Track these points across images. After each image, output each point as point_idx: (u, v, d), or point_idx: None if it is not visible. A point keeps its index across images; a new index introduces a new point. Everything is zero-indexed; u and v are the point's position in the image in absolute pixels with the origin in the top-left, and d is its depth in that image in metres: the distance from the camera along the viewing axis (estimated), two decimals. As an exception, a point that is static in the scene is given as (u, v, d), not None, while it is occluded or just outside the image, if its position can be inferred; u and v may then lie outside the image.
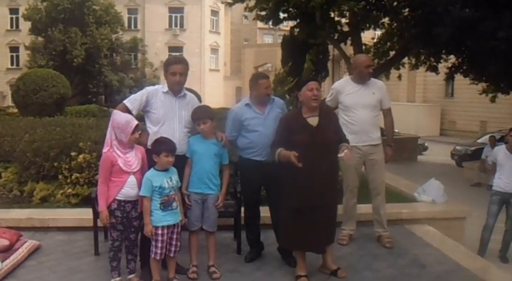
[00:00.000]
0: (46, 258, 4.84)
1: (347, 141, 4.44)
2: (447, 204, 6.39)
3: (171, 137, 4.19)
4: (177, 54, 42.27)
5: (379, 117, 5.33)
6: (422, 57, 16.20)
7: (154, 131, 4.36)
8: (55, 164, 6.67)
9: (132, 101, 4.40)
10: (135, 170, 4.03)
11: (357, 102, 5.15)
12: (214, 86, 42.51)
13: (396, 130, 23.13)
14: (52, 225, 5.65)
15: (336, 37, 16.68)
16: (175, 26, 42.40)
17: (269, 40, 57.45)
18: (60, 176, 6.61)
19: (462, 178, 15.78)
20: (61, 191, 6.52)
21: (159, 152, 3.97)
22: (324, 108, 4.50)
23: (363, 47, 17.00)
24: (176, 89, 4.45)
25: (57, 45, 33.19)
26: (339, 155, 4.20)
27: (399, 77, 19.55)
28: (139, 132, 4.09)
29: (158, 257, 4.01)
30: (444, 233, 5.73)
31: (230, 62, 51.39)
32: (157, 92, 4.44)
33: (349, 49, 17.94)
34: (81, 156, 6.49)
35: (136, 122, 4.05)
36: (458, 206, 6.42)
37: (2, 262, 4.38)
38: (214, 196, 4.37)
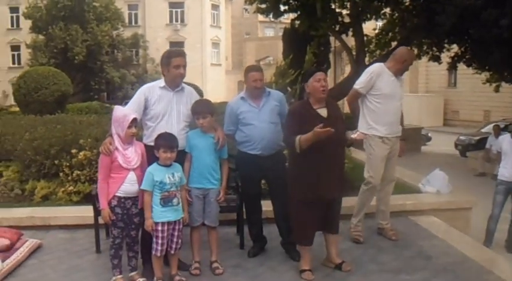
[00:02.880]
0: (47, 257, 4.80)
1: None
2: (452, 194, 6.33)
3: None
4: (179, 49, 42.36)
5: None
6: (425, 47, 16.06)
7: (151, 126, 4.31)
8: (56, 162, 6.62)
9: (131, 104, 4.34)
10: (134, 166, 3.98)
11: (394, 93, 5.00)
12: (216, 80, 42.40)
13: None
14: (53, 223, 5.61)
15: (337, 29, 16.57)
16: (176, 21, 42.28)
17: (270, 33, 57.29)
18: (61, 174, 6.57)
19: (466, 168, 15.69)
20: (62, 189, 6.47)
21: (157, 147, 3.93)
22: (328, 99, 4.41)
23: (365, 38, 16.90)
24: (178, 82, 4.39)
25: (58, 43, 33.19)
26: (352, 136, 4.15)
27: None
28: (136, 126, 4.04)
29: (159, 254, 3.96)
30: (450, 224, 5.66)
31: (232, 56, 51.29)
32: (154, 88, 4.37)
33: (350, 40, 17.82)
34: (81, 153, 6.44)
35: (133, 115, 4.01)
36: (463, 196, 6.34)
37: (3, 261, 4.34)
38: (216, 190, 4.32)
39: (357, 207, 5.17)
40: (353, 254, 4.73)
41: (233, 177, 5.12)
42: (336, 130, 3.96)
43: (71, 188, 6.43)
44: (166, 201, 3.90)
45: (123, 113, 4.03)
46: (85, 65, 34.01)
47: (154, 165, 3.96)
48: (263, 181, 4.86)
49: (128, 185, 3.95)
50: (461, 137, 19.96)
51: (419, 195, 6.41)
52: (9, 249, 4.64)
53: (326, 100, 4.24)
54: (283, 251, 4.73)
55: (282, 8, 16.93)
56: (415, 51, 17.18)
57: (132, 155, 3.99)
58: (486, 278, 4.19)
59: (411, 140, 19.22)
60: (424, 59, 17.75)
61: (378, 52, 17.92)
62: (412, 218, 5.83)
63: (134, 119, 4.01)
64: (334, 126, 4.00)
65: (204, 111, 4.28)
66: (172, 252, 4.07)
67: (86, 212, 5.39)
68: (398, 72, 5.06)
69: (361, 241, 5.05)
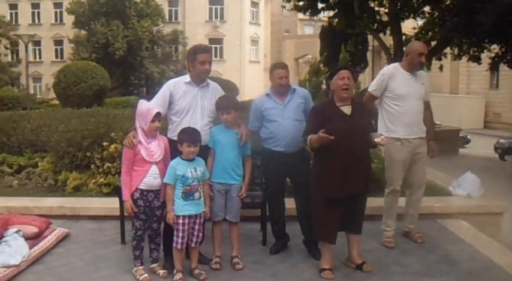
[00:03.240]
0: (74, 245, 4.93)
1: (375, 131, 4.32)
2: (483, 198, 6.14)
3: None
4: (217, 46, 42.61)
5: None
6: (465, 47, 15.68)
7: (176, 121, 4.36)
8: (88, 154, 6.77)
9: (156, 99, 4.41)
10: (157, 159, 4.04)
11: (411, 92, 4.85)
12: (254, 77, 42.48)
13: (437, 122, 22.51)
14: (82, 214, 5.76)
15: (374, 27, 16.35)
16: (216, 18, 42.53)
17: (310, 31, 56.90)
18: (92, 166, 6.72)
19: (504, 172, 15.22)
20: (93, 181, 6.62)
21: (181, 142, 3.97)
22: (354, 98, 4.37)
23: (403, 37, 16.62)
24: (204, 77, 4.43)
25: (100, 38, 33.85)
26: (376, 140, 4.07)
27: (441, 67, 19.02)
28: (160, 120, 4.09)
29: (179, 247, 4.01)
30: (479, 229, 5.50)
31: (270, 54, 51.22)
32: (179, 83, 4.43)
33: (388, 39, 17.56)
34: (112, 146, 6.57)
35: (156, 110, 4.06)
36: (494, 200, 6.14)
37: (31, 248, 4.47)
38: (238, 186, 4.34)
39: (384, 211, 5.10)
40: (376, 256, 4.67)
41: (258, 174, 5.15)
42: (359, 128, 3.93)
43: (102, 180, 6.57)
44: (187, 195, 3.95)
45: (147, 107, 4.09)
46: (125, 60, 34.60)
47: (177, 159, 4.00)
48: (288, 179, 4.85)
49: (151, 178, 4.01)
50: (501, 140, 19.36)
51: (448, 198, 6.26)
52: (37, 237, 4.78)
53: (352, 98, 4.20)
54: (305, 249, 4.72)
55: (320, 5, 16.84)
56: (455, 51, 16.84)
57: (155, 148, 4.05)
58: (512, 285, 4.07)
59: (448, 141, 18.88)
60: (465, 59, 17.33)
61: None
62: (440, 221, 5.70)
63: (157, 114, 4.06)
64: (357, 123, 3.97)
65: (228, 107, 4.30)
66: (193, 245, 4.11)
67: (114, 204, 5.48)
68: (410, 69, 4.91)
69: (392, 246, 4.92)
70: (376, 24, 16.31)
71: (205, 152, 4.28)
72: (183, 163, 3.97)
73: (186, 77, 4.45)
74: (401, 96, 4.84)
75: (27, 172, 7.51)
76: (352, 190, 4.11)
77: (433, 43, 16.47)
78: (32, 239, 4.69)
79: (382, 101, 4.96)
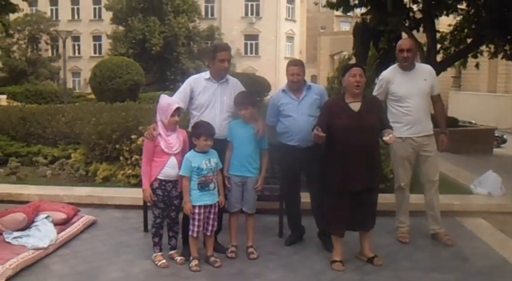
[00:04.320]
0: (100, 232, 5.20)
1: (391, 128, 4.39)
2: (504, 197, 6.13)
3: (212, 122, 4.34)
4: (253, 42, 42.80)
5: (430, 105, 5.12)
6: (500, 45, 15.34)
7: (196, 115, 4.55)
8: (117, 146, 7.07)
9: (177, 94, 4.62)
10: (176, 152, 4.24)
11: (410, 91, 4.89)
12: (289, 74, 42.45)
13: (473, 121, 22.05)
14: (109, 203, 6.04)
15: (407, 24, 16.17)
16: (251, 14, 42.77)
17: (346, 28, 56.41)
18: (121, 158, 7.00)
19: (539, 174, 14.86)
20: (122, 172, 6.91)
21: (198, 135, 4.16)
22: (367, 95, 4.48)
23: (437, 35, 16.39)
24: (223, 74, 4.61)
25: (137, 34, 34.51)
26: (384, 138, 4.17)
27: (477, 65, 18.66)
28: (180, 115, 4.28)
29: (195, 235, 4.21)
30: (499, 228, 5.49)
31: (306, 50, 51.10)
32: (199, 79, 4.62)
33: (423, 37, 17.34)
34: (140, 139, 6.80)
35: (176, 105, 4.26)
36: (516, 200, 6.13)
37: (58, 233, 4.75)
38: (254, 179, 4.50)
39: (396, 208, 5.18)
40: (389, 250, 4.75)
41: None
42: (364, 124, 4.10)
43: (130, 171, 6.84)
44: (203, 186, 4.14)
45: (167, 102, 4.29)
46: (162, 56, 35.16)
47: (192, 152, 4.20)
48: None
49: (169, 169, 4.22)
50: (539, 141, 18.90)
51: (468, 196, 6.27)
52: (65, 223, 5.07)
53: (364, 95, 4.30)
54: (319, 242, 4.85)
55: (352, 2, 16.74)
56: (491, 48, 16.49)
57: (174, 141, 4.25)
58: (522, 284, 4.09)
59: (481, 141, 18.51)
60: (500, 56, 16.93)
61: (452, 49, 17.31)
62: (459, 219, 5.73)
63: (177, 109, 4.25)
64: (362, 119, 4.12)
65: (246, 102, 4.46)
66: (208, 234, 4.30)
67: (139, 194, 5.64)
68: (404, 67, 4.95)
69: (406, 241, 4.99)
70: (408, 21, 16.11)
71: (223, 146, 4.47)
72: (197, 155, 4.16)
73: (206, 74, 4.64)
74: (402, 97, 4.91)
75: (61, 163, 7.87)
76: (354, 185, 4.21)
77: (469, 40, 16.21)
78: (61, 224, 4.98)
79: (387, 103, 5.04)
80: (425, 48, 16.39)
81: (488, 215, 5.81)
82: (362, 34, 19.60)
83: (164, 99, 4.35)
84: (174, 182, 4.26)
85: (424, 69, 5.09)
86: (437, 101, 5.16)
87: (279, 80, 34.59)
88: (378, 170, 4.45)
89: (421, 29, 16.41)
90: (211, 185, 4.18)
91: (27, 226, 4.72)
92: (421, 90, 4.92)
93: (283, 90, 4.79)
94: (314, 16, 54.54)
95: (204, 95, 4.55)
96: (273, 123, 4.82)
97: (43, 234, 4.59)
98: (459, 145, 15.02)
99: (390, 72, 5.07)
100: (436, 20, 15.84)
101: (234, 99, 4.53)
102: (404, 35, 19.65)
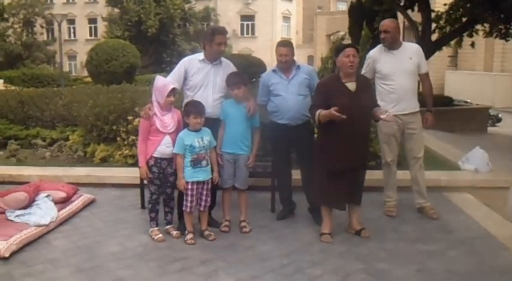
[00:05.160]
0: (98, 210, 5.40)
1: (378, 106, 4.55)
2: (490, 173, 6.30)
3: (205, 102, 4.51)
4: (249, 23, 42.68)
5: (417, 83, 5.29)
6: (497, 24, 15.40)
7: (190, 95, 4.71)
8: (114, 127, 7.22)
9: (172, 75, 4.78)
10: (170, 131, 4.41)
11: (395, 70, 5.02)
12: (285, 55, 42.41)
13: (468, 100, 22.14)
14: (107, 182, 6.22)
15: (402, 3, 16.22)
16: (247, -6, 42.60)
17: (343, 7, 56.05)
18: (118, 139, 7.16)
19: (533, 152, 15.07)
20: (119, 152, 7.08)
21: (188, 113, 4.33)
22: (360, 75, 4.64)
23: (432, 14, 16.44)
24: (218, 57, 4.77)
25: (132, 16, 34.48)
26: (382, 117, 4.29)
27: (472, 44, 18.77)
28: (175, 95, 4.44)
29: (189, 210, 4.41)
30: (486, 203, 5.67)
31: (302, 31, 50.94)
32: (193, 60, 4.77)
33: (418, 16, 17.37)
34: (136, 120, 6.93)
35: (172, 85, 4.41)
36: (501, 175, 6.29)
37: (59, 211, 4.94)
38: (245, 156, 4.68)
39: (384, 183, 5.36)
40: (377, 224, 4.94)
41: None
42: (362, 104, 4.24)
43: (127, 151, 7.01)
44: (196, 163, 4.32)
45: (163, 83, 4.45)
46: (158, 38, 35.15)
47: (185, 130, 4.37)
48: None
49: (164, 147, 4.40)
50: (533, 119, 19.07)
51: (455, 172, 6.44)
52: (65, 201, 5.26)
53: (357, 75, 4.45)
54: (310, 216, 5.04)
55: (348, -19, 16.77)
56: (486, 28, 16.55)
57: (168, 120, 4.41)
58: (502, 254, 4.25)
59: (476, 120, 18.74)
60: (494, 35, 17.00)
61: (447, 28, 17.38)
62: (446, 195, 5.90)
63: (173, 89, 4.41)
64: (361, 99, 4.26)
65: (238, 82, 4.62)
66: (202, 209, 4.50)
67: (136, 173, 5.79)
68: (388, 46, 5.09)
69: (393, 215, 5.19)
70: (403, 1, 16.15)
71: (216, 124, 4.64)
72: (190, 133, 4.34)
73: (200, 55, 4.79)
74: (387, 75, 5.06)
75: (59, 145, 8.02)
76: (351, 164, 4.38)
77: (464, 19, 16.26)
78: (61, 203, 5.17)
79: (375, 82, 5.19)
80: (420, 28, 16.50)
81: (474, 190, 5.98)
82: (357, 14, 19.62)
83: (160, 80, 4.50)
84: (169, 159, 4.44)
85: (410, 48, 5.21)
86: (425, 80, 5.32)
87: (275, 60, 34.68)
88: (367, 148, 4.61)
89: (416, 8, 16.48)
90: (204, 162, 4.36)
91: (28, 204, 4.91)
92: (406, 69, 5.04)
93: (274, 70, 4.94)
94: (311, -4, 54.25)
95: (198, 75, 4.70)
96: (264, 102, 4.98)
97: (44, 212, 4.77)
98: (454, 124, 15.22)
99: (377, 51, 5.23)
100: (430, -1, 15.87)
101: (226, 79, 4.67)
102: (399, 14, 19.75)
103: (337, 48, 4.56)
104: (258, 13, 42.27)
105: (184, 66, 4.76)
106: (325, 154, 4.45)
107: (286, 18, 44.86)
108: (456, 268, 3.95)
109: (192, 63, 4.76)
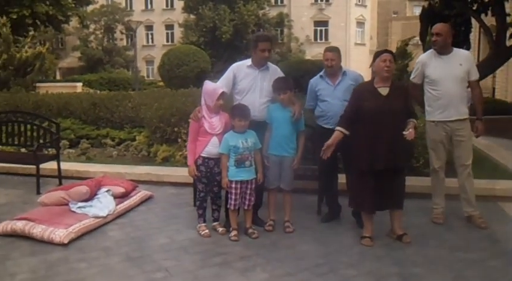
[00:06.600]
0: (154, 206, 5.78)
1: (416, 116, 4.58)
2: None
3: (252, 106, 4.75)
4: (323, 28, 42.62)
5: (467, 90, 5.22)
6: None
7: (238, 99, 4.96)
8: (175, 129, 7.62)
9: (222, 80, 5.04)
10: (218, 132, 4.67)
11: (445, 75, 5.00)
12: (359, 60, 41.89)
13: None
14: (166, 180, 6.60)
15: (474, 7, 15.69)
16: (321, 0, 42.49)
17: (419, 12, 54.75)
18: (179, 140, 7.57)
19: None
20: (180, 153, 7.47)
21: (234, 116, 4.58)
22: (396, 82, 4.70)
23: (507, 18, 15.79)
24: (263, 63, 4.98)
25: (208, 23, 35.40)
26: (404, 132, 4.34)
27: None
28: (224, 99, 4.70)
29: (232, 208, 4.65)
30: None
31: (377, 36, 50.17)
32: (242, 66, 5.03)
33: (492, 21, 16.74)
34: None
35: (221, 90, 4.68)
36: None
37: (117, 205, 5.35)
38: (291, 158, 4.85)
39: (431, 190, 5.34)
40: (421, 230, 4.93)
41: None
42: (392, 108, 4.35)
43: (187, 152, 7.35)
44: (239, 162, 4.56)
45: (213, 87, 4.72)
46: (232, 44, 35.84)
47: (230, 132, 4.62)
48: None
49: (211, 148, 4.66)
50: None
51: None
52: (124, 196, 5.67)
53: (392, 81, 4.52)
54: (354, 220, 5.11)
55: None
56: None
57: (216, 122, 4.68)
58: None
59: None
60: None
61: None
62: (501, 204, 5.75)
63: (222, 93, 4.67)
64: (390, 104, 4.36)
65: (284, 87, 4.81)
66: (246, 208, 4.72)
67: (193, 173, 6.25)
68: (440, 51, 5.06)
69: (440, 222, 5.16)
70: (476, 4, 15.62)
71: (263, 127, 4.85)
72: (235, 135, 4.58)
73: (248, 61, 5.04)
74: (436, 80, 5.03)
75: (126, 145, 8.58)
76: (379, 166, 4.43)
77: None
78: (120, 197, 5.58)
79: (424, 87, 5.19)
80: (494, 33, 15.90)
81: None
82: (428, 19, 19.20)
83: (210, 85, 4.77)
84: (216, 159, 4.70)
85: (460, 54, 5.16)
86: (474, 87, 5.21)
87: (349, 66, 34.35)
88: (404, 152, 4.61)
89: (489, 12, 15.90)
90: (247, 163, 4.58)
91: (90, 197, 5.34)
92: (455, 75, 5.00)
93: (321, 76, 5.09)
94: (386, 0, 53.30)
95: (246, 80, 4.94)
96: (312, 107, 5.16)
97: (103, 205, 5.18)
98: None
99: (427, 56, 5.24)
100: (506, 3, 15.24)
101: (272, 84, 4.87)
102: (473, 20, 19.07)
103: (375, 54, 4.65)
104: (332, 19, 42.09)
105: (233, 71, 5.01)
106: (353, 155, 4.57)
107: (360, 24, 44.33)
108: (494, 278, 3.90)
109: (240, 68, 5.01)
